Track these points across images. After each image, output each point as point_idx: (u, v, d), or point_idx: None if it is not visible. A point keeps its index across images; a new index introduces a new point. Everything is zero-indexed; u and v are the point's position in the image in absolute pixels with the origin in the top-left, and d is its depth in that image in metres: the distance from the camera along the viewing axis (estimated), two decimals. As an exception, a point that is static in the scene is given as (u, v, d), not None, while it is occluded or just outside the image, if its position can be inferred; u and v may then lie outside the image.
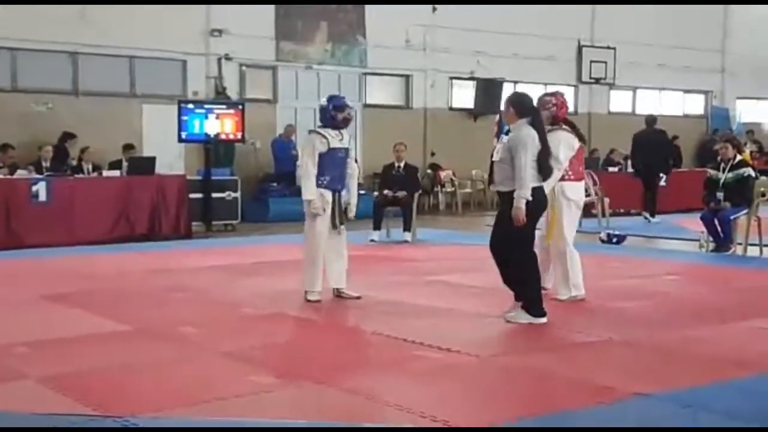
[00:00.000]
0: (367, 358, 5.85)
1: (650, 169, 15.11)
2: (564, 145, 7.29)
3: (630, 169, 16.78)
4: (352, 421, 4.43)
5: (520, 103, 6.61)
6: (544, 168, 6.48)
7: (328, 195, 7.40)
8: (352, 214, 7.57)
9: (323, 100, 7.72)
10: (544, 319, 6.50)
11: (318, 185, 7.38)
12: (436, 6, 18.22)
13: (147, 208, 12.79)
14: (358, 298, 7.55)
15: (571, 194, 7.42)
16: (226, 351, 5.77)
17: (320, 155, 7.38)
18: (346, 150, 7.54)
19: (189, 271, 9.50)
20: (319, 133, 7.46)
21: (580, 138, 7.60)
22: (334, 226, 7.45)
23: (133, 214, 12.67)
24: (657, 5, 21.01)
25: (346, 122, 7.58)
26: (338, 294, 7.61)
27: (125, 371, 5.32)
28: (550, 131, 7.02)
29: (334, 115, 7.48)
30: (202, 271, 9.48)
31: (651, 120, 15.66)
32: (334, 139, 7.44)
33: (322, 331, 6.66)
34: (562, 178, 7.32)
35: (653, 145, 15.14)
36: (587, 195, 7.66)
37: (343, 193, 7.52)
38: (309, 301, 7.41)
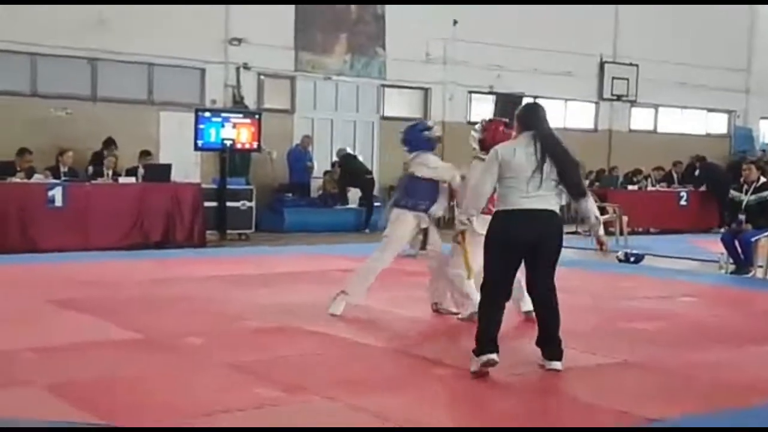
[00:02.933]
0: (377, 374, 5.72)
1: (723, 191, 16.58)
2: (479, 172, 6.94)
3: (651, 187, 17.46)
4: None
5: (519, 115, 5.80)
6: (569, 187, 5.53)
7: (425, 218, 7.42)
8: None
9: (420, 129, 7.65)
10: (482, 358, 5.46)
11: (411, 208, 7.43)
12: (457, 19, 18.13)
13: (162, 215, 12.74)
14: (456, 314, 7.36)
15: (480, 228, 6.33)
16: (232, 362, 5.68)
17: (422, 179, 7.39)
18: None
19: (200, 280, 9.42)
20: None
21: None
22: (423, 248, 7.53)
23: (148, 222, 12.63)
24: (681, 24, 20.83)
25: (439, 140, 7.89)
26: (437, 309, 7.54)
27: (130, 380, 5.25)
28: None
29: (429, 137, 7.58)
30: (213, 281, 9.40)
31: (700, 158, 18.81)
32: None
33: (333, 345, 6.52)
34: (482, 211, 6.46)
35: (717, 172, 18.16)
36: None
37: (432, 209, 7.43)
38: (332, 314, 7.22)
